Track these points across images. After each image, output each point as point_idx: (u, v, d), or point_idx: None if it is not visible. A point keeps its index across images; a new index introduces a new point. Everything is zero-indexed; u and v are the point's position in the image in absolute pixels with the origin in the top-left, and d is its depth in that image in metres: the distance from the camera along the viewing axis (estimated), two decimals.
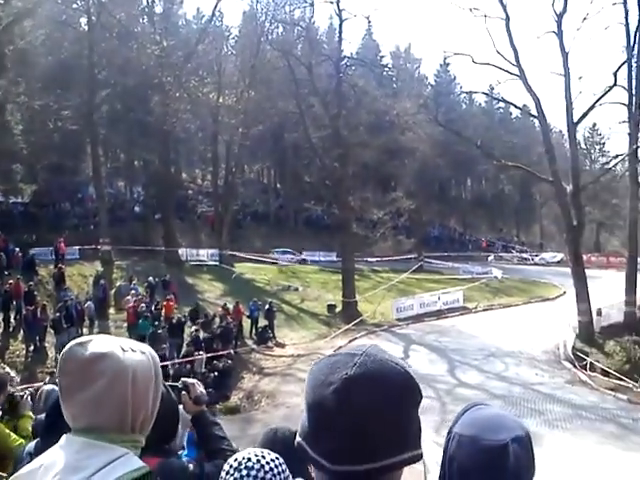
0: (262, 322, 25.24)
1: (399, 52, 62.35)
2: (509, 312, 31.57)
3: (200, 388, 2.39)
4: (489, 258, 47.67)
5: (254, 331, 25.05)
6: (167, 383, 2.11)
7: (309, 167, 44.12)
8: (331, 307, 29.80)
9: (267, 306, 25.61)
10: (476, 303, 32.96)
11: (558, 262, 44.90)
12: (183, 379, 2.26)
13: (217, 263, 35.46)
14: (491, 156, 34.73)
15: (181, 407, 2.37)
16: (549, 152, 26.77)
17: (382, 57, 59.23)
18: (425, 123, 37.54)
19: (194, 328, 22.03)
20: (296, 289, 33.44)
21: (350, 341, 25.32)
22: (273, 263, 38.36)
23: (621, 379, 21.07)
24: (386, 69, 56.54)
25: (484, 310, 32.19)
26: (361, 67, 40.89)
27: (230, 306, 24.88)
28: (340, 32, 32.08)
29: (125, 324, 23.23)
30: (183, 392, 2.21)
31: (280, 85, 37.81)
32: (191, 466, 2.33)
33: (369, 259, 40.22)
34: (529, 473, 1.41)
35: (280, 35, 39.24)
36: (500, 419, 1.53)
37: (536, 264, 48.17)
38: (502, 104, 54.27)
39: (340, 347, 24.44)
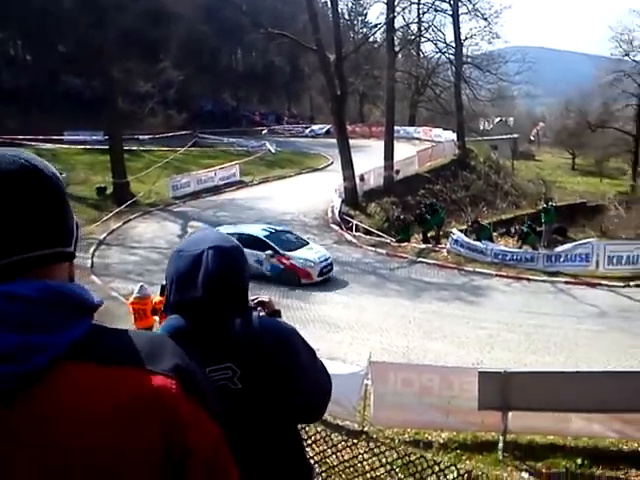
0: None
1: None
2: (283, 183, 32.69)
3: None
4: (263, 132, 48.16)
5: None
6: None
7: (63, 35, 38.88)
8: (101, 190, 27.94)
9: None
10: (252, 176, 33.49)
11: (326, 133, 46.98)
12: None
13: None
14: (258, 24, 33.84)
15: None
16: (312, 20, 26.78)
17: None
18: None
19: None
20: (60, 173, 30.51)
21: (124, 223, 24.34)
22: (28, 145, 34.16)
23: (381, 236, 23.49)
24: None
25: (260, 183, 32.88)
26: None
27: None
28: None
29: None
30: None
31: None
32: None
33: (140, 137, 37.95)
34: (229, 274, 1.75)
35: None
36: (207, 235, 1.85)
37: (306, 136, 49.91)
38: None
39: (114, 229, 23.43)
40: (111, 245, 21.69)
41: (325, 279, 17.87)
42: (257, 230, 19.02)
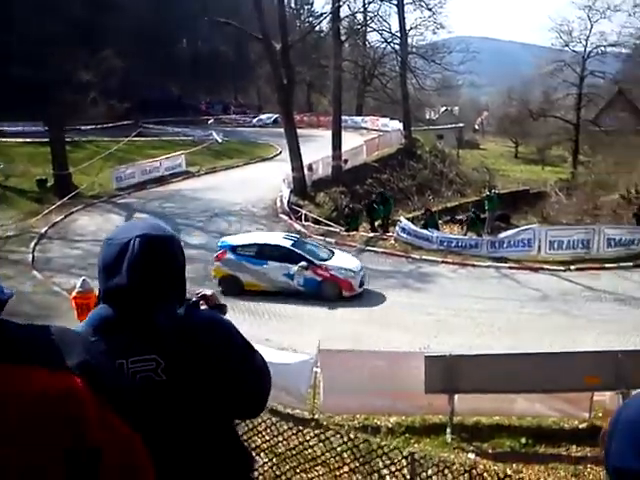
0: None
1: None
2: (231, 173, 32.32)
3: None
4: (209, 121, 47.44)
5: None
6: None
7: (8, 24, 37.21)
8: (41, 182, 27.02)
9: None
10: (199, 167, 32.98)
11: (274, 122, 46.60)
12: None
13: None
14: (204, 12, 33.26)
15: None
16: (257, 7, 26.45)
17: None
18: None
19: None
20: None
21: (66, 216, 23.65)
22: None
23: (329, 225, 23.57)
24: None
25: (207, 173, 32.41)
26: None
27: None
28: None
29: None
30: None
31: None
32: None
33: (82, 127, 36.76)
34: (156, 262, 1.72)
35: None
36: (137, 223, 1.84)
37: (254, 126, 49.43)
38: None
39: (55, 223, 22.72)
40: (53, 239, 21.06)
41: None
42: (279, 239, 16.74)
